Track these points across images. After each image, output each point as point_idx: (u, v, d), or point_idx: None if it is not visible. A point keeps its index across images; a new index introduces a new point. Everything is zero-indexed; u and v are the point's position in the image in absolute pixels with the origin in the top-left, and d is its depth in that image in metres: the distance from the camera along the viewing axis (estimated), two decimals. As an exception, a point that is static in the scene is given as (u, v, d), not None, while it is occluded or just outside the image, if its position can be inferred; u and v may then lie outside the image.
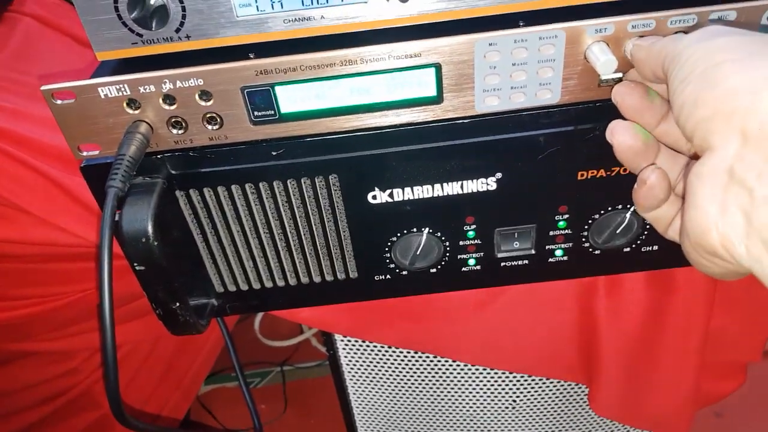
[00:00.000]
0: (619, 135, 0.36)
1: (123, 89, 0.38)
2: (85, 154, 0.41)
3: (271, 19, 0.38)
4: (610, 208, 0.48)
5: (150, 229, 0.40)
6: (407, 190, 0.46)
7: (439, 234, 0.49)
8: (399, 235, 0.48)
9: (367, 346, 0.72)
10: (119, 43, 0.38)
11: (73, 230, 0.58)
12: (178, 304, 0.45)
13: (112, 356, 0.39)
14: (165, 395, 0.89)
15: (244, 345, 1.30)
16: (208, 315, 0.51)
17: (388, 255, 0.49)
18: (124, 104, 0.39)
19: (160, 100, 0.39)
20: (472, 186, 0.46)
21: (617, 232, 0.49)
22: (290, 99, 0.40)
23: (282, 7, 0.38)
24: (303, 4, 0.38)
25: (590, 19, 0.38)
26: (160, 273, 0.42)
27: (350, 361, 0.74)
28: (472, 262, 0.51)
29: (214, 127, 0.41)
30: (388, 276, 0.51)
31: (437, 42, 0.39)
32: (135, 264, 0.41)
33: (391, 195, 0.46)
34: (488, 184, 0.46)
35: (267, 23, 0.38)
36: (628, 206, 0.48)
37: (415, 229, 0.48)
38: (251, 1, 0.37)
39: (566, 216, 0.48)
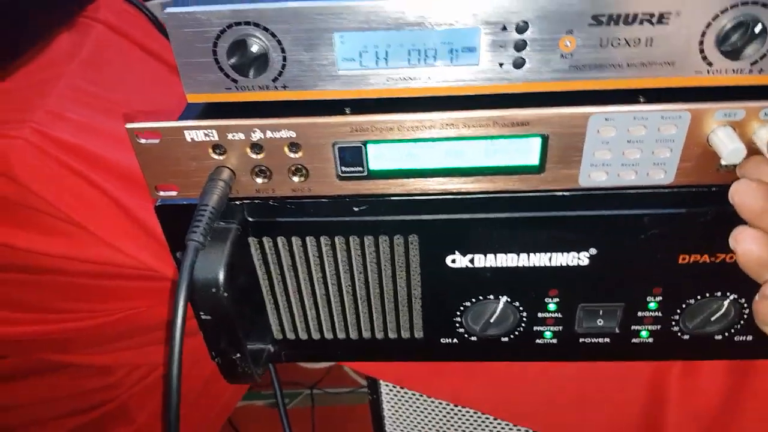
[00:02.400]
0: (746, 243, 0.34)
1: (211, 134, 0.37)
2: (162, 194, 0.40)
3: (374, 76, 0.36)
4: (707, 294, 0.45)
5: (221, 280, 0.39)
6: (490, 257, 0.44)
7: (517, 303, 0.46)
8: (474, 300, 0.46)
9: (413, 394, 0.70)
10: (212, 87, 0.36)
11: (129, 252, 0.58)
12: (238, 354, 0.43)
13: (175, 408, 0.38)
14: (199, 415, 0.89)
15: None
16: (264, 361, 0.49)
17: (459, 319, 0.47)
18: (210, 149, 0.38)
19: (248, 149, 0.38)
20: (562, 259, 0.43)
21: (711, 319, 0.46)
22: (381, 157, 0.39)
23: (387, 64, 0.36)
24: (409, 63, 0.36)
25: (719, 102, 0.36)
26: (226, 324, 0.41)
27: (393, 406, 0.72)
28: (548, 334, 0.48)
29: (299, 179, 0.39)
30: (455, 340, 0.49)
31: (548, 112, 0.36)
32: (201, 313, 0.40)
33: (471, 260, 0.44)
34: (580, 258, 0.43)
35: (369, 80, 0.36)
36: (728, 294, 0.45)
37: (491, 296, 0.46)
38: (356, 56, 0.35)
39: (659, 298, 0.45)
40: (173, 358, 0.34)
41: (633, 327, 0.47)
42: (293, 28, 0.34)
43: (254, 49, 0.34)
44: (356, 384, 1.22)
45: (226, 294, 0.39)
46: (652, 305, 0.46)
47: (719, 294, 0.45)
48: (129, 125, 0.36)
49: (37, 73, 0.65)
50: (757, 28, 0.34)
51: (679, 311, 0.46)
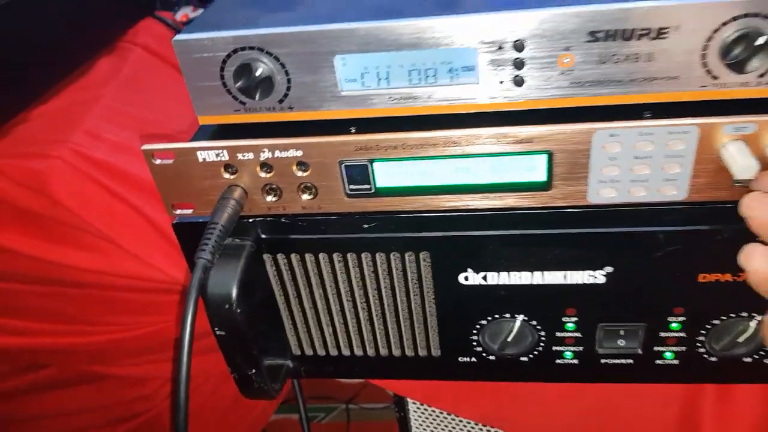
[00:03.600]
0: (755, 262, 0.33)
1: (222, 155, 0.39)
2: (178, 212, 0.42)
3: (376, 96, 0.38)
4: (732, 315, 0.44)
5: (234, 296, 0.41)
6: (503, 274, 0.44)
7: (534, 323, 0.46)
8: (490, 319, 0.47)
9: (440, 412, 0.70)
10: (221, 109, 0.39)
11: (160, 267, 0.61)
12: (254, 370, 0.45)
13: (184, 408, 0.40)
14: (231, 429, 0.91)
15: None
16: (282, 377, 0.51)
17: (476, 338, 0.48)
18: (222, 169, 0.40)
19: (257, 168, 0.40)
20: (577, 277, 0.43)
21: (738, 340, 0.45)
22: (388, 174, 0.40)
23: (388, 84, 0.37)
24: (410, 83, 0.37)
25: (728, 116, 0.36)
26: (240, 339, 0.43)
27: (421, 424, 0.73)
28: (568, 354, 0.48)
29: (308, 197, 0.41)
30: (473, 359, 0.49)
31: (551, 129, 0.37)
32: (216, 328, 0.42)
33: (485, 278, 0.44)
34: (596, 277, 0.43)
35: (371, 100, 0.38)
36: (754, 314, 0.44)
37: (508, 315, 0.46)
38: (357, 77, 0.37)
39: (681, 318, 0.45)
40: (181, 376, 0.36)
41: (656, 348, 0.47)
42: (296, 52, 0.36)
43: (259, 72, 0.37)
44: (391, 399, 1.23)
45: (239, 310, 0.41)
46: (674, 325, 0.45)
47: (745, 314, 0.44)
48: (144, 147, 0.39)
49: (77, 95, 0.70)
50: (761, 40, 0.34)
51: (703, 332, 0.45)
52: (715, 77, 0.35)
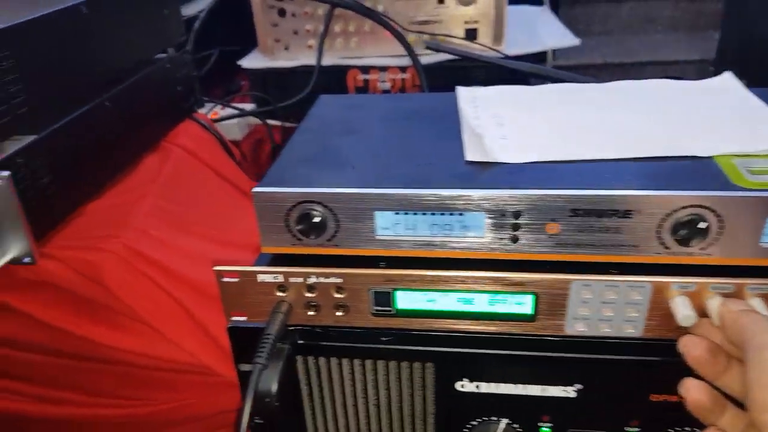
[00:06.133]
0: (692, 392, 0.43)
1: (278, 278, 0.49)
2: (234, 318, 0.52)
3: (404, 241, 0.49)
4: (678, 429, 0.54)
5: (275, 391, 0.50)
6: (492, 384, 0.54)
7: (516, 425, 0.56)
8: (479, 420, 0.56)
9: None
10: (282, 243, 0.49)
11: (193, 352, 0.70)
12: (282, 455, 0.54)
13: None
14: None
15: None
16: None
17: (467, 436, 0.57)
18: (275, 288, 0.50)
19: (304, 289, 0.50)
20: (553, 391, 0.53)
21: (687, 452, 0.55)
22: (406, 300, 0.50)
23: (414, 233, 0.48)
24: (431, 233, 0.48)
25: (676, 276, 0.47)
26: (274, 428, 0.52)
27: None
28: (543, 455, 0.57)
29: (341, 314, 0.51)
30: (463, 453, 0.58)
31: (538, 276, 0.48)
32: (255, 418, 0.51)
33: (477, 386, 0.54)
34: (567, 391, 0.53)
35: (399, 243, 0.49)
36: (696, 429, 0.54)
37: (495, 418, 0.56)
38: (390, 226, 0.48)
39: (637, 430, 0.55)
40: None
41: (616, 454, 0.56)
42: (346, 206, 0.47)
43: (316, 219, 0.47)
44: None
45: (277, 403, 0.50)
46: (631, 435, 0.55)
47: (688, 429, 0.54)
48: (216, 268, 0.49)
49: (127, 193, 0.80)
50: (702, 225, 0.45)
51: (656, 442, 0.55)
52: (667, 247, 0.47)
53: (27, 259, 0.62)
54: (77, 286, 0.67)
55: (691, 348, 0.45)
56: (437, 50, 0.82)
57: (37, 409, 0.75)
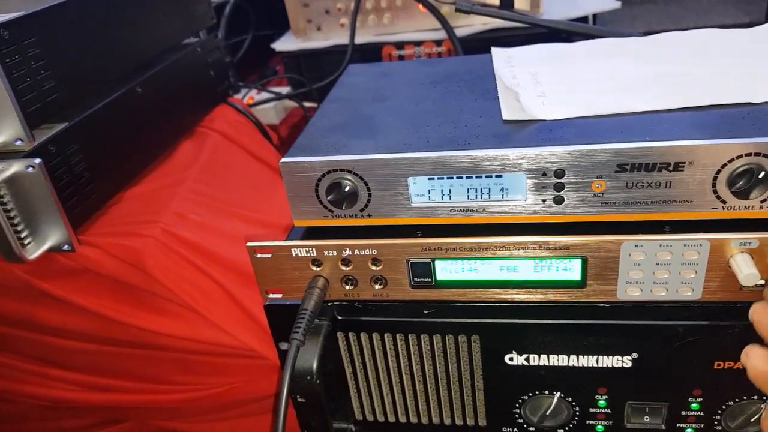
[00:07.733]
0: (754, 360, 0.40)
1: (311, 251, 0.48)
2: (270, 296, 0.51)
3: (440, 208, 0.46)
4: (745, 398, 0.51)
5: (315, 369, 0.49)
6: (543, 356, 0.51)
7: (570, 399, 0.53)
8: (531, 394, 0.54)
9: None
10: (313, 215, 0.48)
11: (236, 335, 0.69)
12: (326, 432, 0.53)
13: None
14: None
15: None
16: (346, 439, 0.58)
17: (518, 411, 0.55)
18: (309, 263, 0.49)
19: (339, 262, 0.48)
20: (608, 362, 0.51)
21: (752, 420, 0.51)
22: (446, 270, 0.48)
23: (450, 198, 0.46)
24: (468, 198, 0.46)
25: (735, 232, 0.43)
26: (317, 406, 0.51)
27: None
28: (600, 428, 0.55)
29: (379, 287, 0.49)
30: (515, 429, 0.56)
31: (586, 239, 0.45)
32: (297, 396, 0.50)
33: (527, 359, 0.52)
34: (624, 361, 0.50)
35: (436, 210, 0.47)
36: (765, 398, 0.50)
37: (546, 392, 0.53)
38: (425, 192, 0.46)
39: (700, 399, 0.51)
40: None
41: (678, 425, 0.53)
42: (377, 174, 0.45)
43: (347, 189, 0.46)
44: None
45: (318, 381, 0.49)
46: (694, 405, 0.52)
47: (756, 398, 0.50)
48: (249, 243, 0.48)
49: (164, 178, 0.80)
50: (761, 174, 0.42)
51: (719, 412, 0.52)
52: (723, 201, 0.43)
53: (66, 247, 0.62)
54: (118, 272, 0.68)
55: (763, 315, 0.42)
56: (468, 12, 0.78)
57: (82, 396, 0.76)
